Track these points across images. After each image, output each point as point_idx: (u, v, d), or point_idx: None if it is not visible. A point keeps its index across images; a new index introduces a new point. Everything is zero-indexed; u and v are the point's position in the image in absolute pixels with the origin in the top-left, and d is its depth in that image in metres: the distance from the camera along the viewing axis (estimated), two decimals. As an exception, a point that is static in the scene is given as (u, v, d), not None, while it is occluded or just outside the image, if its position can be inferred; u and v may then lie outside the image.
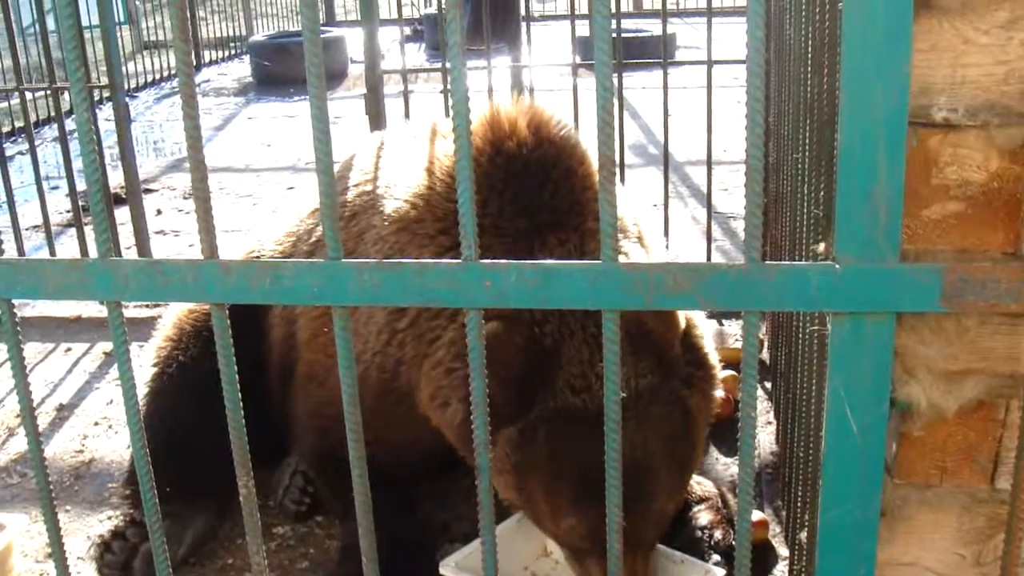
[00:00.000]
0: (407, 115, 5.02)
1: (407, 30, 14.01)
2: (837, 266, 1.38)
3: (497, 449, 2.50)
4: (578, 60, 5.18)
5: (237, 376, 1.60)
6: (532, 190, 2.77)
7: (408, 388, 2.87)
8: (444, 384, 2.69)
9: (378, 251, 2.94)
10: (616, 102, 1.76)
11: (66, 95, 6.35)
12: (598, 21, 1.37)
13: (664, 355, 2.53)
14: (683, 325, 2.61)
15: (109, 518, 3.45)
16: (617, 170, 1.46)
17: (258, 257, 3.45)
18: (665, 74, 4.85)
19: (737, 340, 4.53)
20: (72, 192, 5.41)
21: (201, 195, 1.50)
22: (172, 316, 3.55)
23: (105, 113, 8.40)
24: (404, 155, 3.21)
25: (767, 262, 1.39)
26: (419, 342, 2.81)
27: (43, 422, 4.18)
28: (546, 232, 2.71)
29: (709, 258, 5.04)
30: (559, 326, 2.54)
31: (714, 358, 2.77)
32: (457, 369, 2.64)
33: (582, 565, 2.56)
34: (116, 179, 6.18)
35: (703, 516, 2.98)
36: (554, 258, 2.62)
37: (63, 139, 5.43)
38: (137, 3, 15.75)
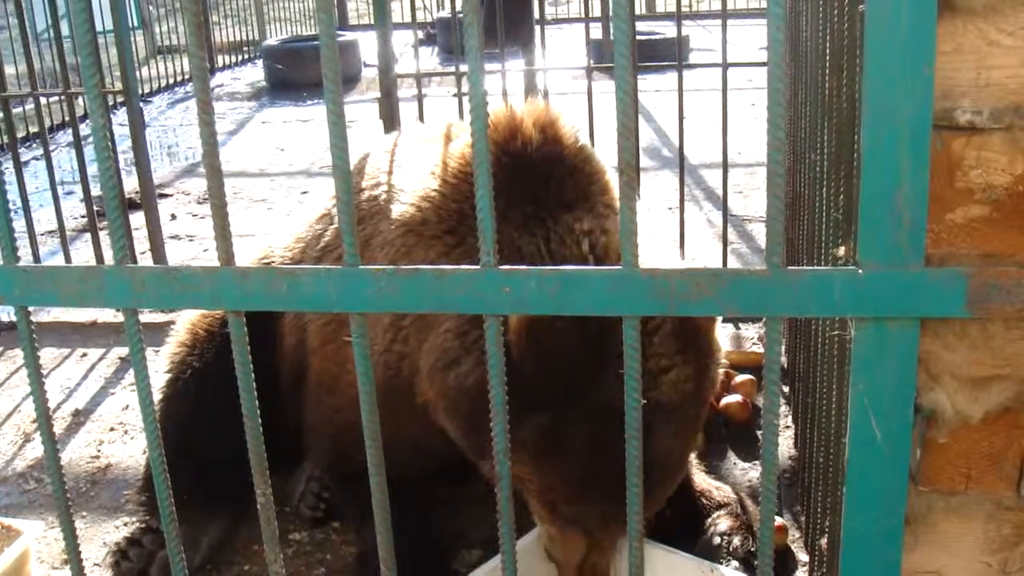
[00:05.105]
0: (421, 118, 5.00)
1: (420, 34, 14.00)
2: (860, 271, 1.37)
3: (521, 432, 2.47)
4: (592, 63, 5.17)
5: (254, 384, 1.59)
6: (537, 183, 2.79)
7: (409, 379, 2.87)
8: (454, 346, 2.67)
9: (385, 255, 2.95)
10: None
11: (81, 100, 6.37)
12: (618, 25, 1.36)
13: (703, 350, 2.55)
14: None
15: (125, 524, 3.45)
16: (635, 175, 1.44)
17: (269, 263, 3.45)
18: (680, 77, 4.83)
19: (754, 344, 4.51)
20: (87, 197, 5.42)
21: (218, 202, 1.50)
22: (185, 321, 3.54)
23: (119, 118, 8.44)
24: (412, 160, 3.22)
25: (789, 268, 1.38)
26: (421, 329, 2.82)
27: (59, 428, 4.18)
28: (558, 212, 2.72)
29: (725, 262, 5.01)
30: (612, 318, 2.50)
31: (720, 345, 2.77)
32: (468, 332, 2.62)
33: (569, 537, 2.60)
34: (131, 184, 6.19)
35: (722, 523, 2.96)
36: (572, 234, 2.66)
37: (78, 144, 5.43)
38: (151, 8, 15.81)
